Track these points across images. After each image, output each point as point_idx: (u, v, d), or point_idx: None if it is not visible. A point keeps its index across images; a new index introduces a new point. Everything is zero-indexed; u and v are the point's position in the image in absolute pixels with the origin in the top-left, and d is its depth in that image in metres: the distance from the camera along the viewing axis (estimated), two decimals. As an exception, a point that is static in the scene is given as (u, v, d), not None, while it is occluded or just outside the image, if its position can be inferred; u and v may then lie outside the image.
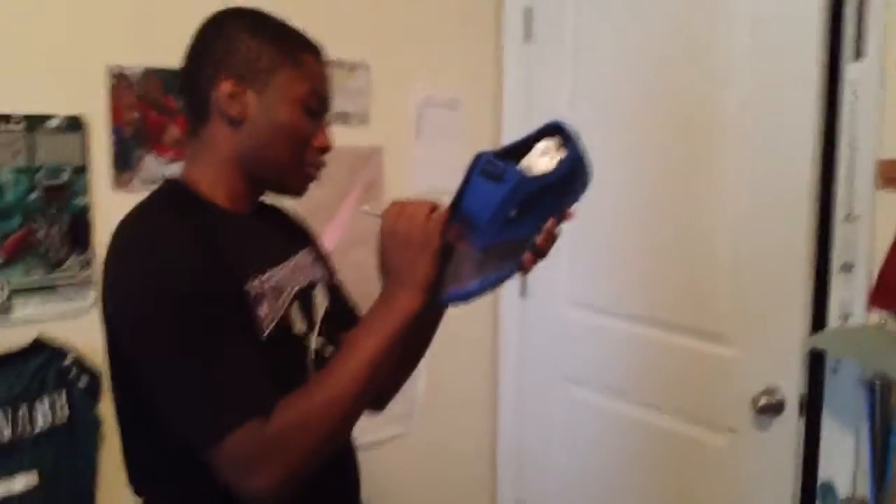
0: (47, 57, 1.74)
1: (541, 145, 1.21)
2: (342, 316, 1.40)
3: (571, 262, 2.36)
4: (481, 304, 2.62)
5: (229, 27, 1.24)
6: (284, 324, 1.22)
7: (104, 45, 1.81)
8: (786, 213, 1.87)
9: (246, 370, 1.10)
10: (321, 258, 1.45)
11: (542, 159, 1.20)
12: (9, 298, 1.72)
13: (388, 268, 1.18)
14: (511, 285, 2.55)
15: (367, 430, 2.17)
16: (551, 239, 1.19)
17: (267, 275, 1.22)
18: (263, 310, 1.18)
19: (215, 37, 1.24)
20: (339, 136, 2.16)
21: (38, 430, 1.74)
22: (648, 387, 2.22)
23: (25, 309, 1.75)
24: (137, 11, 1.85)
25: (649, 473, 2.24)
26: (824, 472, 1.84)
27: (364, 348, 1.13)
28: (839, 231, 1.79)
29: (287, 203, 2.01)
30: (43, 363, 1.75)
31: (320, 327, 1.30)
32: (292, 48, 1.24)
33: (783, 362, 1.90)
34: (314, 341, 1.28)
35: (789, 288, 1.87)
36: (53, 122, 1.75)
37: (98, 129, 1.81)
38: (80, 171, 1.79)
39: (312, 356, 1.27)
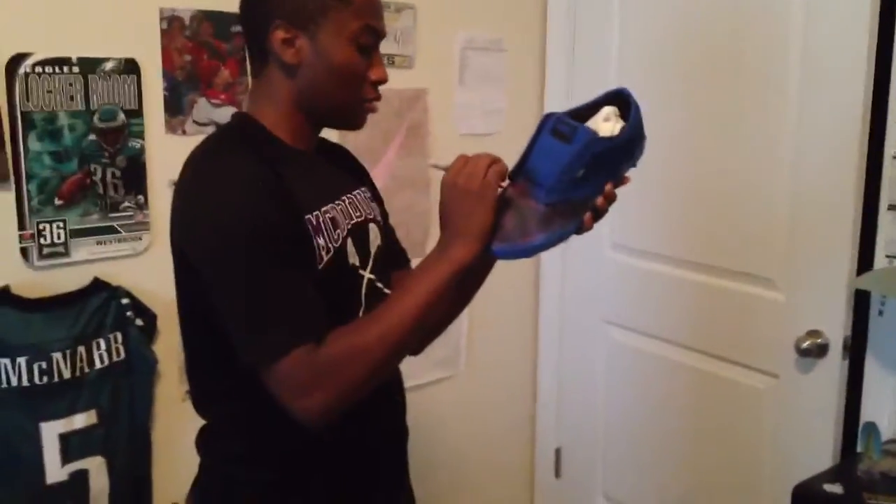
0: (102, 0, 1.76)
1: (604, 111, 1.24)
2: (392, 255, 1.45)
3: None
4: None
5: None
6: (340, 255, 1.26)
7: (157, -13, 1.82)
8: (834, 154, 1.86)
9: (302, 297, 1.16)
10: (376, 198, 1.49)
11: (606, 124, 1.23)
12: (67, 240, 1.76)
13: (446, 218, 1.22)
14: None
15: (412, 373, 2.22)
16: (610, 201, 1.23)
17: (326, 208, 1.26)
18: (321, 241, 1.22)
19: None
20: (387, 74, 2.19)
21: (96, 369, 1.79)
22: (690, 330, 2.24)
23: (83, 250, 1.78)
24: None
25: (691, 417, 2.27)
26: (867, 414, 1.86)
27: (417, 290, 1.19)
28: (888, 171, 1.78)
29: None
30: (100, 304, 1.80)
31: (373, 263, 1.34)
32: None
33: (828, 304, 1.91)
34: (366, 275, 1.32)
35: (836, 229, 1.88)
36: (108, 65, 1.77)
37: (151, 72, 1.83)
38: (135, 114, 1.81)
39: (365, 289, 1.31)
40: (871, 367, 1.85)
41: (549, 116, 1.20)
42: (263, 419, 1.22)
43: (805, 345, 1.92)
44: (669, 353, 2.30)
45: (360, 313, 1.28)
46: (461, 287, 1.25)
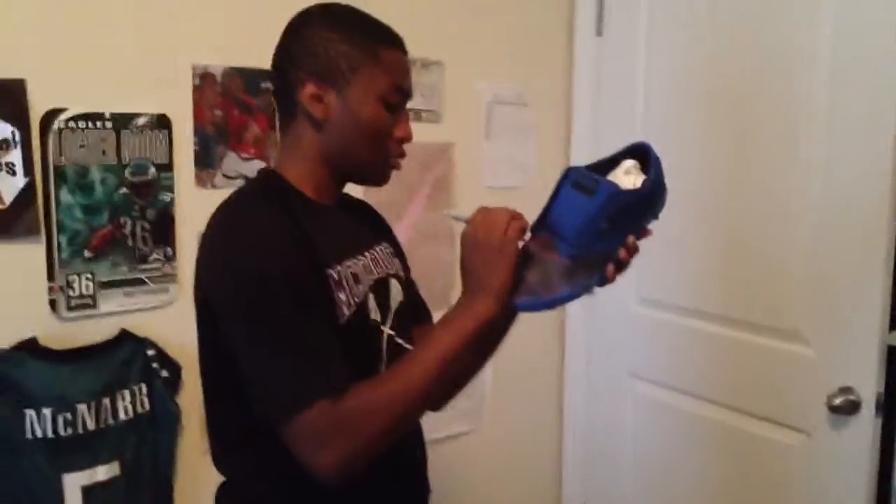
0: (134, 57, 1.80)
1: (625, 164, 1.26)
2: (414, 310, 1.46)
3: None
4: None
5: (310, 27, 1.28)
6: (362, 311, 1.27)
7: (190, 44, 1.86)
8: (864, 207, 1.84)
9: (323, 351, 1.16)
10: (398, 253, 1.50)
11: (627, 177, 1.24)
12: (96, 292, 1.78)
13: (467, 272, 1.22)
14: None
15: (435, 426, 2.21)
16: (632, 253, 1.24)
17: (348, 263, 1.27)
18: (343, 296, 1.23)
19: (298, 38, 1.29)
20: (414, 132, 2.22)
21: (120, 420, 1.79)
22: (718, 385, 2.21)
23: (111, 302, 1.80)
24: (221, 11, 1.90)
25: (719, 474, 2.23)
26: (902, 474, 1.82)
27: (438, 346, 1.19)
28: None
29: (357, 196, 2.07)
30: (126, 355, 1.80)
31: (394, 319, 1.35)
32: (372, 45, 1.27)
33: (859, 360, 1.87)
34: (388, 331, 1.33)
35: (866, 284, 1.85)
36: (141, 120, 1.80)
37: (182, 127, 1.86)
38: (165, 167, 1.84)
39: (386, 345, 1.32)
40: (906, 426, 1.82)
41: (570, 170, 1.22)
42: (282, 474, 1.21)
43: (837, 401, 1.88)
44: (698, 409, 2.27)
45: (382, 369, 1.28)
46: (483, 341, 1.25)
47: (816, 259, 1.94)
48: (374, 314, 1.29)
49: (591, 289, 1.22)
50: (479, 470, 2.52)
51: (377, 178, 1.35)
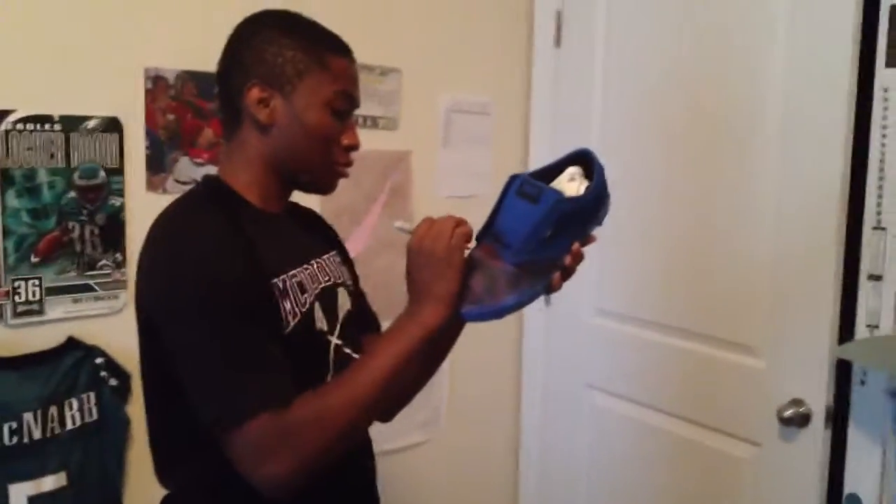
0: (86, 59, 1.77)
1: (569, 171, 1.27)
2: (362, 319, 1.45)
3: (597, 269, 2.36)
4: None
5: (259, 32, 1.28)
6: (308, 320, 1.25)
7: (142, 47, 1.83)
8: (814, 222, 1.87)
9: (267, 361, 1.15)
10: (346, 262, 1.49)
11: (571, 184, 1.25)
12: (42, 298, 1.74)
13: (413, 282, 1.21)
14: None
15: (391, 436, 2.19)
16: (578, 260, 1.23)
17: (293, 272, 1.26)
18: (287, 305, 1.22)
19: (244, 43, 1.28)
20: (369, 140, 2.17)
21: (67, 429, 1.75)
22: (673, 396, 2.22)
23: (58, 308, 1.76)
24: (175, 15, 1.87)
25: (673, 484, 2.24)
26: (850, 486, 1.83)
27: (385, 354, 1.17)
28: (868, 240, 1.78)
29: (313, 206, 2.05)
30: (74, 363, 1.76)
31: (341, 328, 1.33)
32: (319, 51, 1.27)
33: (810, 373, 1.89)
34: (333, 341, 1.31)
35: (816, 298, 1.87)
36: (91, 123, 1.76)
37: (134, 131, 1.83)
38: (116, 171, 1.81)
39: (333, 354, 1.30)
40: (855, 438, 1.83)
41: (515, 178, 1.22)
42: (226, 488, 1.18)
43: (787, 413, 1.90)
44: (652, 420, 2.27)
45: (328, 379, 1.26)
46: (430, 351, 1.24)
47: (769, 273, 1.96)
48: (321, 323, 1.28)
49: (536, 296, 1.21)
50: (435, 481, 2.51)
51: (323, 185, 1.34)
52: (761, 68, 1.96)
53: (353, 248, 2.06)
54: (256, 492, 1.13)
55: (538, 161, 2.49)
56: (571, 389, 2.52)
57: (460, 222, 1.20)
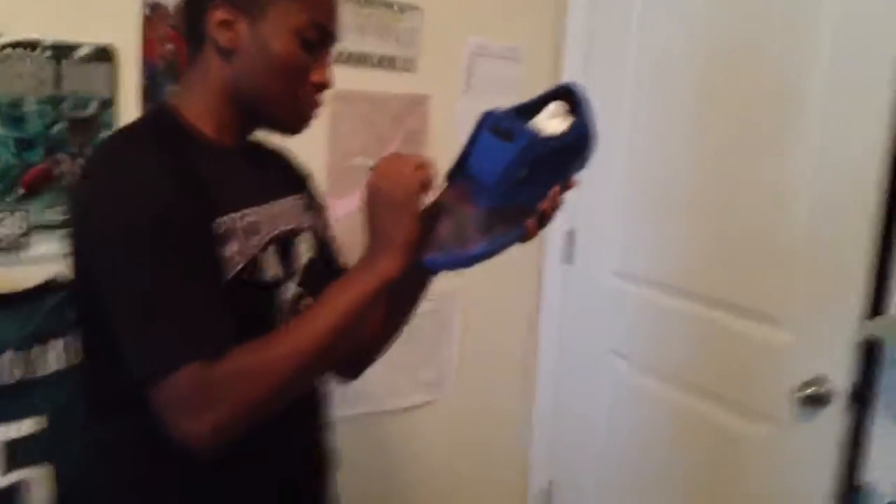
0: (79, -19, 1.66)
1: (550, 108, 1.17)
2: (328, 268, 1.34)
3: (621, 230, 2.27)
4: (524, 266, 2.54)
5: None
6: (254, 267, 1.16)
7: (140, -29, 1.72)
8: (850, 193, 1.75)
9: (200, 309, 1.06)
10: (315, 207, 1.39)
11: (552, 122, 1.15)
12: (27, 234, 1.66)
13: (371, 227, 1.12)
14: (555, 250, 2.47)
15: (392, 395, 2.12)
16: (556, 206, 1.14)
17: (242, 212, 1.16)
18: (232, 248, 1.12)
19: None
20: (384, 81, 2.10)
21: (49, 371, 1.68)
22: (691, 366, 2.12)
23: (44, 245, 1.68)
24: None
25: (684, 457, 2.15)
26: (869, 473, 1.73)
27: (333, 306, 1.09)
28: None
29: (321, 149, 1.96)
30: (58, 303, 1.68)
31: (301, 276, 1.24)
32: None
33: (835, 350, 1.78)
34: (291, 289, 1.22)
35: (848, 270, 1.76)
36: (82, 51, 1.66)
37: (128, 61, 1.73)
38: (108, 103, 1.71)
39: (285, 304, 1.21)
40: (878, 422, 1.72)
41: (488, 114, 1.12)
42: (157, 441, 1.09)
43: (808, 391, 1.80)
44: (668, 390, 2.19)
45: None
46: (393, 301, 1.17)
47: (798, 241, 1.85)
48: (275, 270, 1.18)
49: (509, 244, 1.11)
50: (440, 443, 2.44)
51: (286, 123, 1.23)
52: (806, 36, 1.83)
53: (352, 202, 1.98)
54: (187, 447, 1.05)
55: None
56: (590, 353, 2.43)
57: (422, 164, 1.10)
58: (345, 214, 1.91)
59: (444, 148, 2.21)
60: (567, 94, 1.17)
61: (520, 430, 2.63)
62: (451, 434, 2.45)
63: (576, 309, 2.49)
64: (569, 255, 2.46)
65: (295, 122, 1.23)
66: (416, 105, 2.18)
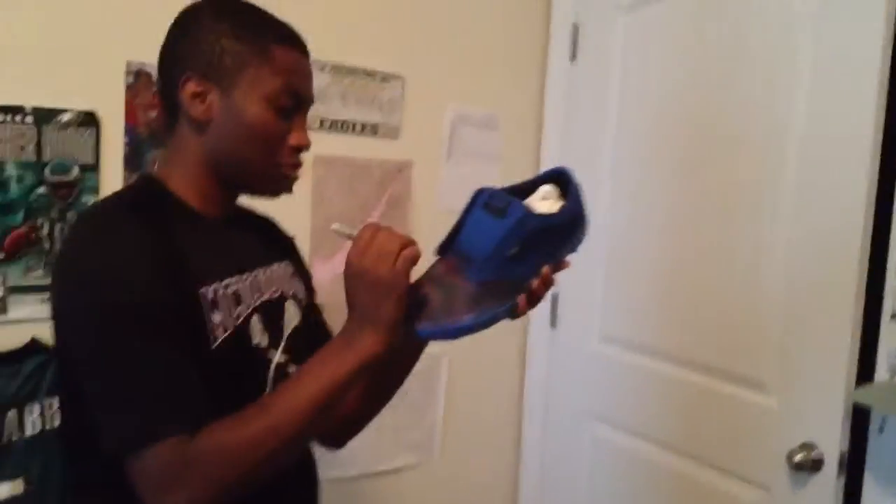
0: (63, 49, 1.69)
1: (543, 190, 1.18)
2: (314, 336, 1.32)
3: (605, 294, 2.26)
4: (509, 331, 2.52)
5: (196, 22, 1.18)
6: (241, 335, 1.15)
7: (125, 39, 1.75)
8: (835, 256, 1.73)
9: (178, 383, 1.05)
10: (301, 273, 1.39)
11: (544, 203, 1.16)
12: (5, 297, 1.66)
13: (352, 302, 1.09)
14: (541, 315, 2.45)
15: (379, 457, 2.08)
16: (547, 285, 1.13)
17: (228, 281, 1.16)
18: (216, 318, 1.12)
19: (182, 33, 1.19)
20: (368, 147, 2.11)
21: (27, 436, 1.66)
22: (679, 432, 2.09)
23: (23, 308, 1.68)
24: (161, 6, 1.77)
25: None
26: (864, 540, 1.69)
27: (314, 381, 1.07)
28: (892, 278, 1.64)
29: (304, 213, 1.96)
30: (37, 366, 1.68)
31: (286, 343, 1.23)
32: (262, 42, 1.17)
33: (824, 416, 1.75)
34: (277, 356, 1.21)
35: (835, 335, 1.73)
36: (65, 117, 1.68)
37: (112, 127, 1.75)
38: (91, 168, 1.72)
39: (272, 372, 1.19)
40: (870, 489, 1.69)
41: (481, 191, 1.13)
42: None
43: (798, 458, 1.75)
44: (656, 456, 2.14)
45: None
46: (381, 374, 1.16)
47: (784, 305, 1.83)
48: (260, 338, 1.18)
49: (498, 319, 1.10)
50: (428, 500, 2.39)
51: (269, 188, 1.23)
52: (783, 91, 1.83)
53: (341, 262, 1.97)
54: None
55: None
56: (574, 419, 2.40)
57: (407, 243, 1.08)
58: (330, 279, 1.90)
59: (426, 213, 2.25)
60: (559, 179, 1.19)
61: (506, 494, 2.58)
62: (438, 497, 2.41)
63: (560, 372, 2.46)
64: (553, 319, 2.44)
65: (277, 186, 1.23)
66: (399, 171, 2.19)
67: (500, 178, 2.38)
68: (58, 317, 1.10)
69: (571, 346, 2.40)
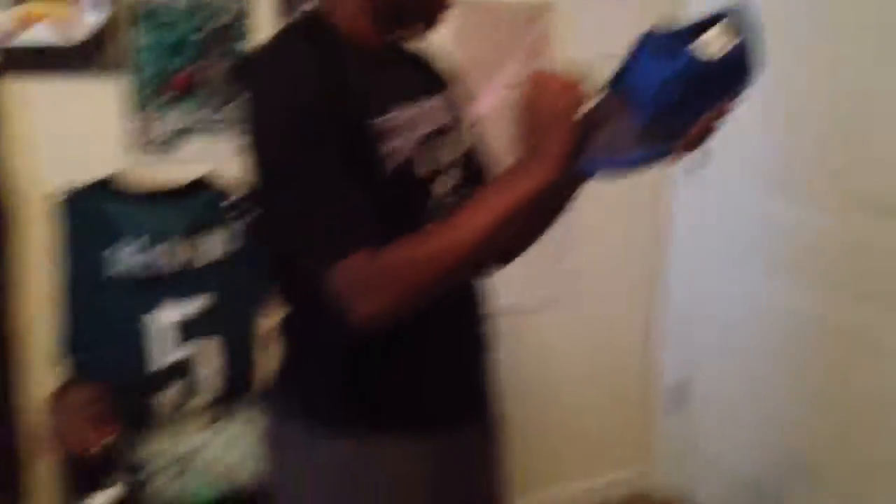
0: None
1: (714, 30, 1.13)
2: (470, 166, 1.36)
3: (765, 135, 2.23)
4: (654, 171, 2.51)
5: None
6: (409, 164, 1.20)
7: None
8: None
9: (360, 202, 1.12)
10: (460, 106, 1.41)
11: (714, 45, 1.12)
12: (176, 135, 1.79)
13: (525, 137, 1.14)
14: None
15: (519, 293, 2.15)
16: (707, 131, 1.11)
17: (395, 112, 1.20)
18: (390, 146, 1.17)
19: None
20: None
21: (214, 256, 1.82)
22: (834, 273, 2.08)
23: (191, 146, 1.80)
24: None
25: (825, 377, 2.13)
26: None
27: (491, 206, 1.12)
28: None
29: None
30: (211, 198, 1.82)
31: (449, 174, 1.28)
32: None
33: None
34: (446, 182, 1.26)
35: None
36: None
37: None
38: (243, 14, 1.80)
39: (440, 197, 1.25)
40: None
41: (649, 34, 1.12)
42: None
43: None
44: (809, 303, 2.14)
45: (428, 225, 1.22)
46: (543, 208, 1.20)
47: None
48: (425, 168, 1.23)
49: (657, 160, 1.12)
50: (565, 339, 2.48)
51: (426, 16, 1.25)
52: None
53: (481, 107, 2.01)
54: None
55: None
56: (721, 266, 2.40)
57: (570, 85, 1.12)
58: (488, 109, 1.94)
59: (568, 59, 2.22)
60: (732, 17, 1.14)
61: (645, 330, 2.65)
62: (573, 336, 2.49)
63: (709, 214, 2.46)
64: (704, 160, 2.43)
65: (432, 16, 1.26)
66: (538, 14, 2.16)
67: (643, 21, 2.32)
68: (248, 140, 1.16)
69: (722, 187, 2.38)
